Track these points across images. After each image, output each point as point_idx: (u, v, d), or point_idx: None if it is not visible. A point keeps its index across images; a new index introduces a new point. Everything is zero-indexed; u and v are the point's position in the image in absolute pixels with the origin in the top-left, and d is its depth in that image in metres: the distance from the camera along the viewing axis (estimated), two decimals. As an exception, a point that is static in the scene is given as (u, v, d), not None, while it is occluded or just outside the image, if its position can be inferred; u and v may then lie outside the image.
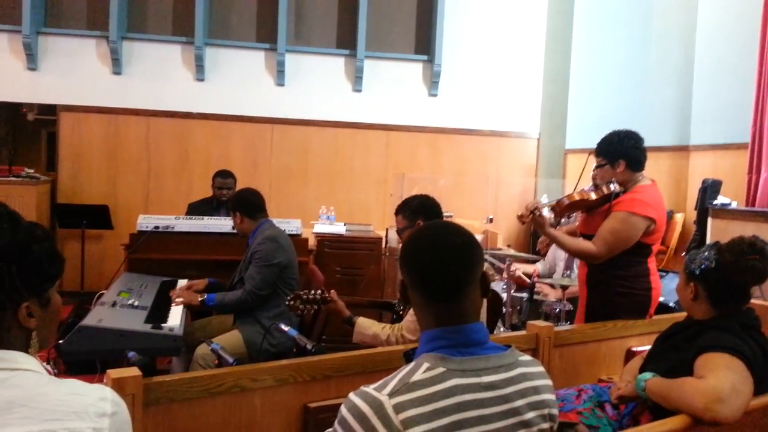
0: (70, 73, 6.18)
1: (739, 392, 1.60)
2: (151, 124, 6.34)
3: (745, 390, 1.63)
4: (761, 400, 1.71)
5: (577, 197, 2.73)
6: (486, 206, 6.71)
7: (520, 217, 2.71)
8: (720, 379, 1.61)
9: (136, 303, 2.75)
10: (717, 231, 4.88)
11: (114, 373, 1.61)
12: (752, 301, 1.96)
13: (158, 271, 3.50)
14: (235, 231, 3.42)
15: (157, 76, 6.36)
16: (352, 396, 1.15)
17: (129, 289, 2.99)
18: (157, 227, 3.79)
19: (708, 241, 4.82)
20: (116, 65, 6.22)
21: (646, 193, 2.69)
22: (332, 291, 2.65)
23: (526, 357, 1.31)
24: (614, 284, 2.71)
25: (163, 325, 2.52)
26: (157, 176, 6.37)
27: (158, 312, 2.73)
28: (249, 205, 3.23)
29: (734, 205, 5.13)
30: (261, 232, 3.17)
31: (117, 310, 2.63)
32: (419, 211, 2.66)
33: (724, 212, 5.01)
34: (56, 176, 6.18)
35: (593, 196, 2.72)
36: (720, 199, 5.18)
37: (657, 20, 6.47)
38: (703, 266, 1.87)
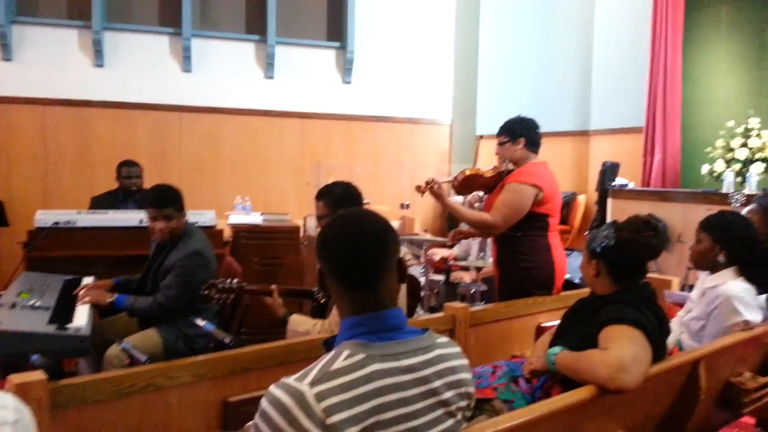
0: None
1: (640, 361, 1.70)
2: (47, 113, 5.94)
3: (645, 358, 1.74)
4: (658, 366, 1.83)
5: (468, 172, 2.98)
6: (402, 192, 6.78)
7: (418, 188, 2.92)
8: (622, 349, 1.71)
9: (37, 303, 2.58)
10: (616, 210, 5.20)
11: (16, 378, 1.52)
12: (649, 275, 2.10)
13: (60, 269, 3.28)
14: (143, 225, 3.25)
15: (52, 62, 5.95)
16: (272, 388, 1.15)
17: (29, 290, 2.79)
18: (57, 223, 3.56)
19: (608, 220, 5.12)
20: (6, 51, 5.77)
21: (533, 166, 2.96)
22: (274, 286, 2.59)
23: (443, 338, 1.35)
24: (519, 260, 2.93)
25: (68, 325, 2.38)
26: (56, 169, 5.98)
27: (62, 312, 2.57)
28: (181, 201, 2.95)
29: (631, 185, 5.48)
30: (184, 237, 2.95)
31: (17, 312, 2.46)
32: (342, 200, 2.62)
33: (622, 192, 5.34)
34: (-59, 171, 5.69)
35: (489, 173, 2.97)
36: (618, 181, 5.51)
37: (558, 9, 6.75)
38: (603, 244, 1.98)
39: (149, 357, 2.04)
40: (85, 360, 2.95)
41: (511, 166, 2.97)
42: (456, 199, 3.00)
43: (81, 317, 2.56)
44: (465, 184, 3.03)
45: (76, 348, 2.35)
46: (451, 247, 3.80)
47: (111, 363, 2.60)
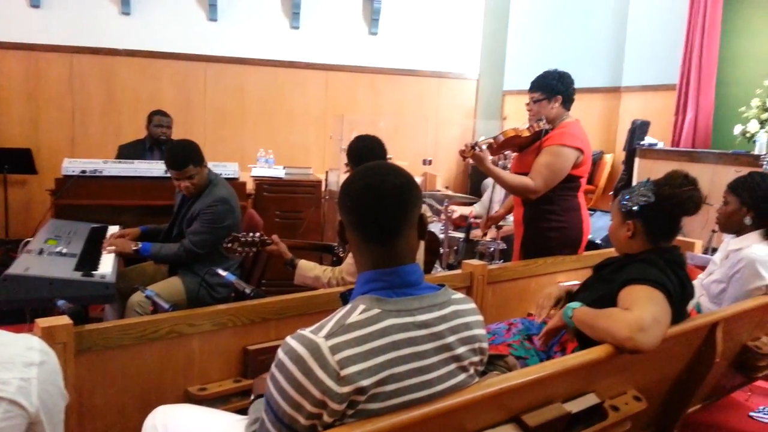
0: (-18, 6, 5.70)
1: (659, 322, 1.68)
2: (74, 61, 5.97)
3: (665, 320, 1.72)
4: (676, 328, 1.82)
5: (511, 133, 2.84)
6: (425, 148, 6.74)
7: (462, 152, 2.77)
8: (643, 309, 1.68)
9: (64, 250, 2.65)
10: (643, 170, 5.10)
11: (43, 322, 1.57)
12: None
13: (87, 217, 3.36)
14: (166, 175, 3.27)
15: (79, 9, 5.93)
16: (288, 339, 1.16)
17: (57, 236, 2.87)
18: (84, 171, 3.62)
19: (635, 180, 5.03)
20: (33, -3, 5.77)
21: (572, 127, 2.86)
22: (274, 235, 2.64)
23: (459, 295, 1.35)
24: (549, 219, 2.87)
25: (94, 272, 2.44)
26: (83, 117, 6.05)
27: (88, 259, 2.64)
28: (199, 155, 2.96)
29: (660, 145, 5.34)
30: (210, 188, 3.00)
31: (45, 258, 2.53)
32: (359, 157, 2.63)
33: (650, 152, 5.22)
34: (-28, 118, 5.78)
35: (526, 132, 2.85)
36: (647, 140, 5.38)
37: (594, -39, 6.48)
38: (641, 202, 1.92)
39: (172, 305, 2.09)
40: (110, 306, 3.04)
41: (547, 125, 2.85)
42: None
43: (106, 264, 2.62)
44: (503, 146, 2.91)
45: (101, 294, 2.42)
46: (484, 234, 3.74)
47: (134, 309, 2.68)
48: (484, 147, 2.76)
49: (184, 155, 2.91)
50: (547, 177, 2.77)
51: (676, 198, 1.88)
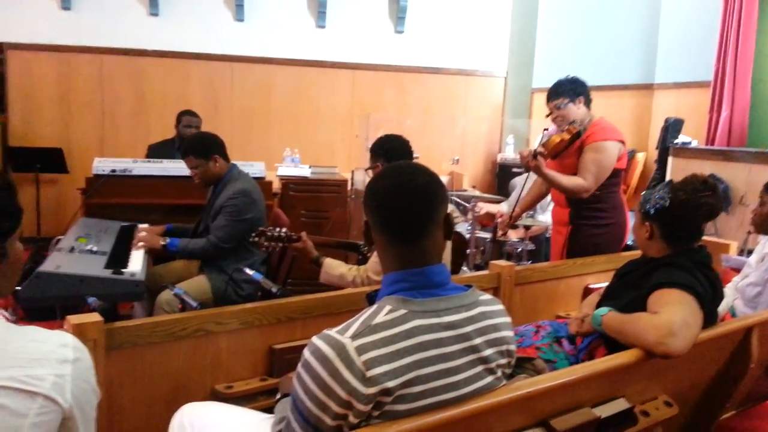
0: (16, 8, 5.81)
1: (689, 326, 1.65)
2: (104, 62, 6.07)
3: (695, 324, 1.68)
4: (708, 332, 1.78)
5: (557, 139, 2.91)
6: (453, 146, 6.70)
7: (527, 163, 2.88)
8: (672, 313, 1.66)
9: (95, 248, 2.68)
10: (677, 169, 4.99)
11: (74, 319, 1.59)
12: (706, 238, 2.01)
13: (117, 216, 3.41)
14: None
15: (109, 10, 6.04)
16: (315, 339, 1.16)
17: (87, 235, 2.91)
18: (114, 171, 3.68)
19: (668, 179, 4.92)
20: (64, -1, 5.89)
21: (605, 122, 2.97)
22: (303, 232, 2.66)
23: (486, 296, 1.34)
24: (598, 217, 2.95)
25: (123, 270, 2.47)
26: (113, 117, 6.15)
27: (118, 257, 2.67)
28: (223, 147, 3.08)
29: (694, 143, 5.22)
30: (230, 180, 3.05)
31: (75, 256, 2.57)
32: (380, 153, 2.69)
33: (684, 151, 5.11)
34: (6, 118, 5.91)
35: (566, 136, 2.91)
36: (681, 138, 5.26)
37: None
38: (657, 205, 1.90)
39: (200, 303, 2.10)
40: (139, 304, 3.08)
41: (581, 126, 2.92)
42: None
43: (136, 262, 2.65)
44: (551, 153, 2.95)
45: (130, 292, 2.44)
46: (504, 234, 3.73)
47: (162, 308, 2.71)
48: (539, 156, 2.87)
49: (188, 146, 3.05)
50: (596, 173, 2.86)
51: (690, 204, 1.85)
